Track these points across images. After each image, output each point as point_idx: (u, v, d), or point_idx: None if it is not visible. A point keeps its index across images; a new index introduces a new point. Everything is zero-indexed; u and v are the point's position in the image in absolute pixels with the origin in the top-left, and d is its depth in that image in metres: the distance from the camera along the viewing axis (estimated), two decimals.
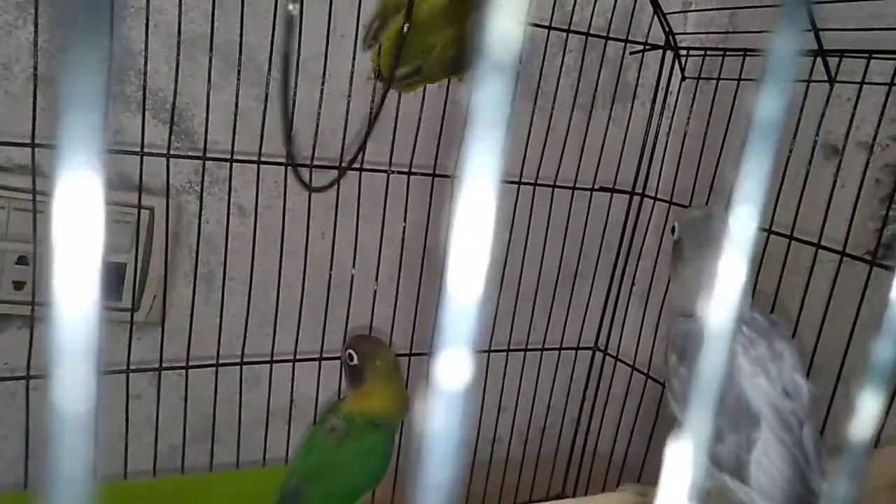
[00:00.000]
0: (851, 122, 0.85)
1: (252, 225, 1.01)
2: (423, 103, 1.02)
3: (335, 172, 0.97)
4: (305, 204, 1.01)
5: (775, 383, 0.58)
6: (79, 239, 0.12)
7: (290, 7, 0.90)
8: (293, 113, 0.94)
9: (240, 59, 0.93)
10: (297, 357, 1.03)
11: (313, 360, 1.04)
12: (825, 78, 0.86)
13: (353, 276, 1.02)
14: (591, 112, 1.07)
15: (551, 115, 1.07)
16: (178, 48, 0.89)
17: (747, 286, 0.63)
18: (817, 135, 0.87)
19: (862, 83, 0.82)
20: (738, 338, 0.60)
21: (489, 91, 0.12)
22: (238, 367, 1.01)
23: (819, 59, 0.84)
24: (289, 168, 0.96)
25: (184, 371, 0.99)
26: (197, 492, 1.06)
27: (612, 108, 1.12)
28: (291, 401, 1.04)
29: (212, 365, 1.01)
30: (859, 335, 0.83)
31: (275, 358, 1.02)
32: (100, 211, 0.12)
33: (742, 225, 0.15)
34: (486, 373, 1.15)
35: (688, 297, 0.62)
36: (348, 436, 0.80)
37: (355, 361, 0.84)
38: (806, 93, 0.88)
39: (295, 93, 0.94)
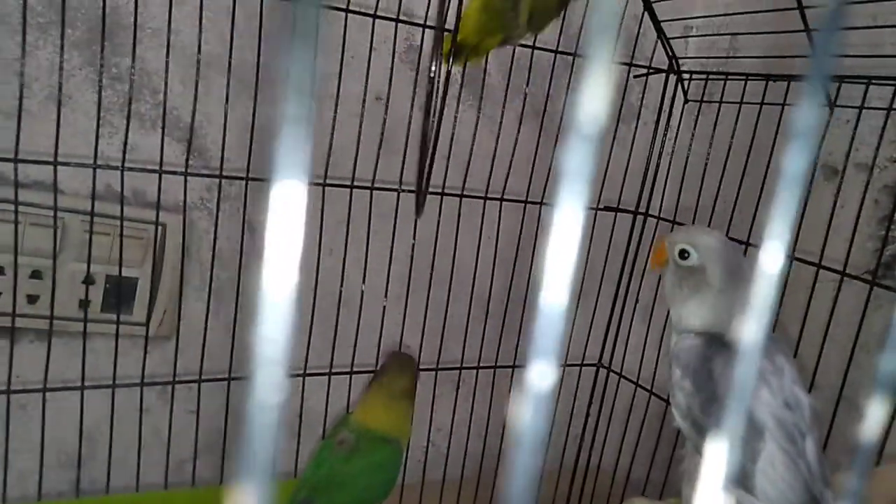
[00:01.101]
0: (851, 144, 0.87)
1: (261, 241, 1.03)
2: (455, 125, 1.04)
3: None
4: (314, 220, 1.03)
5: (777, 396, 0.60)
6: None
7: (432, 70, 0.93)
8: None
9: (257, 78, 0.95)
10: (307, 372, 1.04)
11: (322, 374, 1.05)
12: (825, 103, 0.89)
13: (362, 291, 1.04)
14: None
15: (557, 136, 1.09)
16: (198, 67, 0.91)
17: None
18: (818, 157, 0.89)
19: (861, 108, 0.84)
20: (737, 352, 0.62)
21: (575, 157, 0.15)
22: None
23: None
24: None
25: (195, 385, 1.01)
26: None
27: (616, 130, 1.14)
28: (301, 414, 1.05)
29: (224, 379, 1.02)
30: (859, 354, 0.85)
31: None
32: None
33: (773, 259, 0.17)
34: (492, 389, 1.16)
35: (715, 319, 0.64)
36: (358, 449, 0.81)
37: None
38: (822, 140, 0.91)
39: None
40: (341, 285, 1.05)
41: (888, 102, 0.82)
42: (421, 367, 1.08)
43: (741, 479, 0.59)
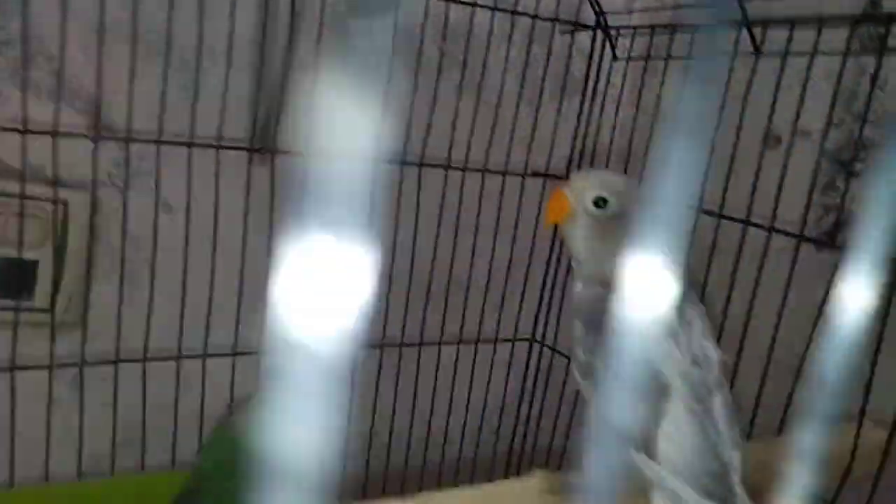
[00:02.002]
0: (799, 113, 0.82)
1: (179, 220, 0.97)
2: None
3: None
4: (235, 196, 0.97)
5: (685, 352, 0.55)
6: None
7: None
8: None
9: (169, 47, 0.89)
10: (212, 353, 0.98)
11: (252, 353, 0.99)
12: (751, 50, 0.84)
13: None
14: (519, 94, 1.04)
15: (477, 97, 1.03)
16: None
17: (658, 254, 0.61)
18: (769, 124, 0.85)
19: (785, 54, 0.80)
20: None
21: None
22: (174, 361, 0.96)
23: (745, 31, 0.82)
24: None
25: (112, 367, 0.94)
26: (126, 494, 1.01)
27: (541, 92, 1.09)
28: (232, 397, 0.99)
29: (139, 360, 0.95)
30: (799, 320, 0.81)
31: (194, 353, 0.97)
32: None
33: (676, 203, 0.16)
34: (417, 367, 1.11)
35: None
36: (251, 433, 0.76)
37: None
38: (749, 86, 0.85)
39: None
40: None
41: (811, 46, 0.77)
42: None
43: (643, 444, 0.53)
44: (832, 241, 0.93)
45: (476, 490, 0.61)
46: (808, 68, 0.79)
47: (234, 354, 0.96)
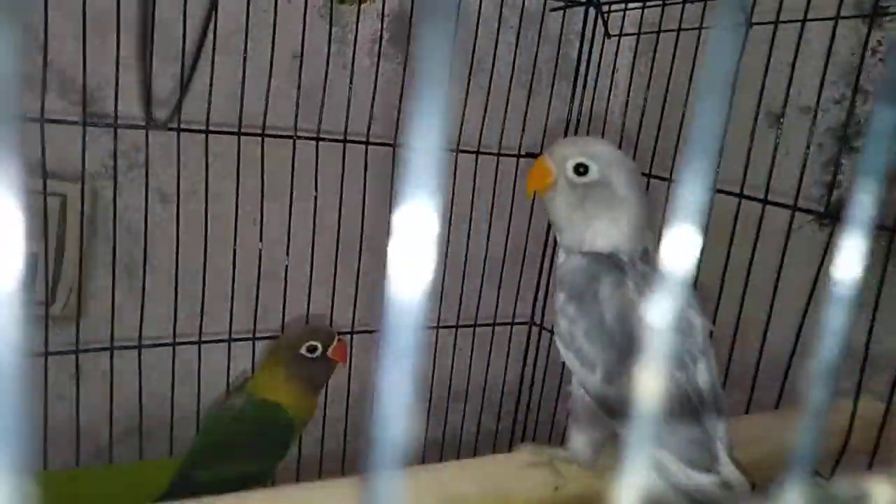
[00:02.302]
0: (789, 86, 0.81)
1: (173, 211, 0.97)
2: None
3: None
4: (231, 186, 0.97)
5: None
6: None
7: None
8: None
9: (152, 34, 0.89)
10: (233, 337, 0.98)
11: (247, 339, 0.99)
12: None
13: (260, 250, 0.97)
14: (511, 74, 1.03)
15: (469, 77, 1.03)
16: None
17: (647, 222, 0.60)
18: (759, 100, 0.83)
19: (776, 22, 0.78)
20: (630, 273, 0.56)
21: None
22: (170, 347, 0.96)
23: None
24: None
25: (108, 355, 0.94)
26: (126, 481, 1.01)
27: (533, 72, 1.07)
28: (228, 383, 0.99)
29: (134, 346, 0.95)
30: (799, 295, 0.80)
31: (204, 338, 0.97)
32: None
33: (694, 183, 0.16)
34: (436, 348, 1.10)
35: (624, 235, 0.57)
36: (244, 413, 0.76)
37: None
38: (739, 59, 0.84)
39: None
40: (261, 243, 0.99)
41: (802, 14, 0.76)
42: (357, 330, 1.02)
43: (626, 413, 0.53)
44: (836, 216, 0.92)
45: (464, 464, 0.61)
46: (800, 36, 0.77)
47: (230, 340, 0.96)
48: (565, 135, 1.08)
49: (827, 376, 0.18)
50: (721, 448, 0.53)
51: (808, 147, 0.83)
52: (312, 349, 0.85)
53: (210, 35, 0.92)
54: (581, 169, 0.59)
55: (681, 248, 0.16)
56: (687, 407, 0.52)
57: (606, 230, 0.58)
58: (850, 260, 0.17)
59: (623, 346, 0.53)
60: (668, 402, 0.52)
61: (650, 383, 0.16)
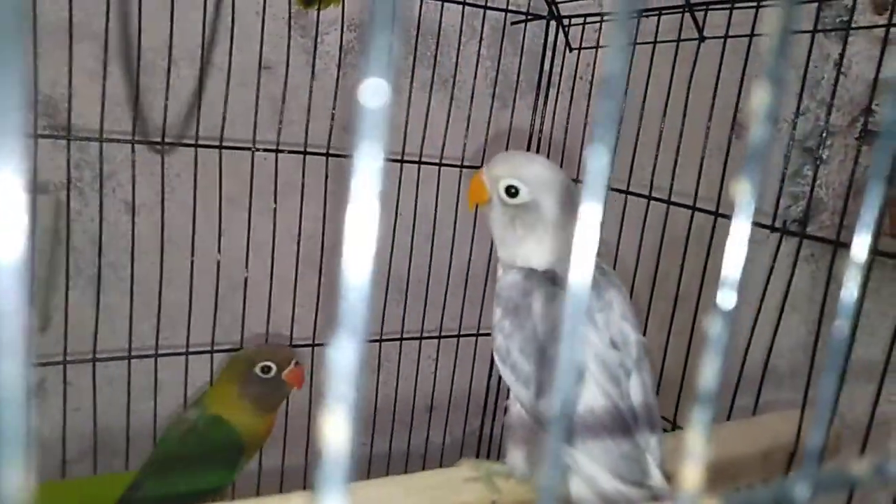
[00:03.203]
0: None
1: (141, 221, 0.97)
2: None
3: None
4: (192, 195, 0.97)
5: (602, 334, 0.54)
6: None
7: None
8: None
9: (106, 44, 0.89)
10: (189, 350, 0.98)
11: (205, 352, 0.99)
12: (695, 36, 0.83)
13: (246, 278, 0.97)
14: (473, 87, 1.03)
15: (430, 88, 1.03)
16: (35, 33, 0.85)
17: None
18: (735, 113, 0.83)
19: (726, 36, 0.79)
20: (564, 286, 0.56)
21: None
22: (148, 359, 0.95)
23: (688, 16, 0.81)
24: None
25: (76, 369, 0.94)
26: (81, 495, 1.00)
27: (495, 85, 1.07)
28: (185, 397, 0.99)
29: (123, 357, 0.94)
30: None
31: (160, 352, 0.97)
32: None
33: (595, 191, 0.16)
34: (399, 359, 1.10)
35: (556, 256, 0.58)
36: (196, 428, 0.75)
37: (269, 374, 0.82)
38: (718, 77, 0.84)
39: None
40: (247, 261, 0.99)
41: (749, 29, 0.76)
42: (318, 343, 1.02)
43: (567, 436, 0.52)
44: (803, 228, 0.92)
45: (405, 479, 0.60)
46: (748, 48, 0.77)
47: (187, 354, 0.96)
48: (528, 146, 1.08)
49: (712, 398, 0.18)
50: (652, 462, 0.53)
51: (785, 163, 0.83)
52: (266, 370, 0.83)
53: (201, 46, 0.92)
54: (512, 190, 0.60)
55: (581, 254, 0.16)
56: (619, 421, 0.52)
57: (537, 250, 0.59)
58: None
59: (555, 360, 0.53)
60: (599, 415, 0.52)
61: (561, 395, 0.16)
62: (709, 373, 0.17)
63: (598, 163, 0.16)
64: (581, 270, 0.16)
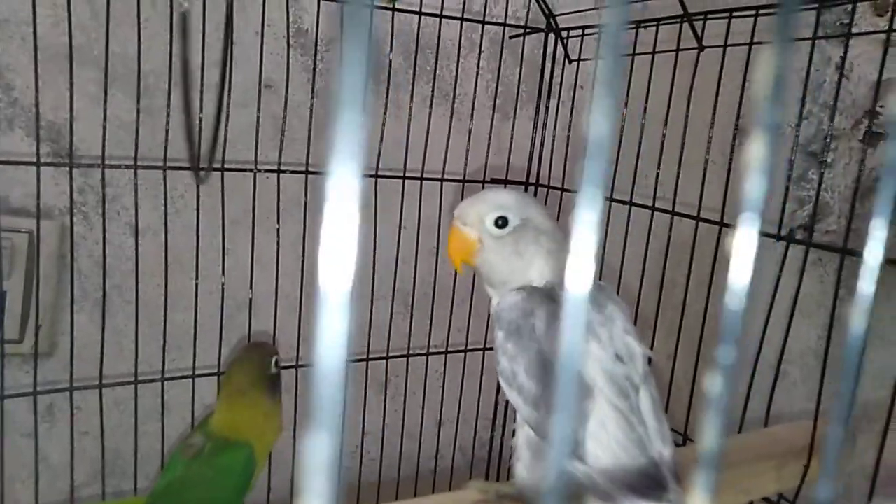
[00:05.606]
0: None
1: (145, 244, 0.97)
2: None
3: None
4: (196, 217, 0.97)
5: (607, 349, 0.54)
6: None
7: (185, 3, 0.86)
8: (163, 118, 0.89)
9: (106, 68, 0.89)
10: (196, 373, 0.97)
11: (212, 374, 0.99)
12: (694, 45, 0.83)
13: (250, 299, 0.97)
14: (473, 101, 1.03)
15: (430, 103, 1.03)
16: (36, 57, 0.85)
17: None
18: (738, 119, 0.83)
19: (725, 45, 0.78)
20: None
21: None
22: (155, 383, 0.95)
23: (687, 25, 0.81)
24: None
25: (82, 394, 0.93)
26: None
27: (496, 97, 1.07)
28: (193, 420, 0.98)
29: (130, 383, 0.93)
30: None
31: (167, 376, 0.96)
32: None
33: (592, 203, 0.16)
34: (407, 375, 1.10)
35: (559, 266, 0.59)
36: (203, 453, 0.75)
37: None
38: (719, 85, 0.84)
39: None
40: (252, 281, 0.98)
41: (748, 38, 0.76)
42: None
43: (571, 447, 0.52)
44: (809, 234, 0.91)
45: (414, 503, 0.60)
46: (748, 56, 0.77)
47: (194, 377, 0.96)
48: (529, 160, 1.08)
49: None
50: (668, 474, 0.52)
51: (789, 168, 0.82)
52: (277, 362, 0.86)
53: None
54: (500, 221, 0.60)
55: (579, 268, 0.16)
56: (631, 435, 0.52)
57: (545, 265, 0.60)
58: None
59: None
60: (611, 431, 0.52)
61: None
62: (709, 436, 0.17)
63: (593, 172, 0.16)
64: (580, 274, 0.16)
